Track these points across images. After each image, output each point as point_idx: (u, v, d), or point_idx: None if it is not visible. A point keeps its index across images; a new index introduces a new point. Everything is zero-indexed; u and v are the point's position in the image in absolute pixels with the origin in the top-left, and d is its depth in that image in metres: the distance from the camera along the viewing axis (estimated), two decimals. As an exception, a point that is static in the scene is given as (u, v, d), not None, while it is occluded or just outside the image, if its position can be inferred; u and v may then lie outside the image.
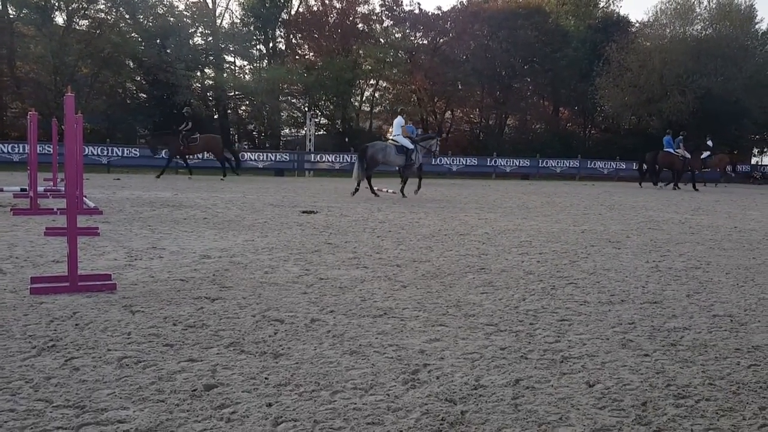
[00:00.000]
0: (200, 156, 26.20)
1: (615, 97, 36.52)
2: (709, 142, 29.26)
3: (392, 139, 16.37)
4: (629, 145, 37.29)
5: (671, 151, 25.99)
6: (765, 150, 47.51)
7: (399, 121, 16.61)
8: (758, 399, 3.08)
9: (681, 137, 26.76)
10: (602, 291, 5.45)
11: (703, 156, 28.84)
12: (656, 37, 37.64)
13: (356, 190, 16.13)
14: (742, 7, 37.88)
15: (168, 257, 6.44)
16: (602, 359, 3.61)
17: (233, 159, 24.64)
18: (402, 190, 16.42)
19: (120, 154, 26.89)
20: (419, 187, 16.79)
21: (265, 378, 3.14)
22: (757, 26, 38.63)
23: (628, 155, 35.91)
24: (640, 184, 27.42)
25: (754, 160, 45.04)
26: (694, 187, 25.95)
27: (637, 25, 41.21)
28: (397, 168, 17.04)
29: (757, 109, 35.99)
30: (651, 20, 39.35)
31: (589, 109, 41.58)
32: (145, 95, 37.68)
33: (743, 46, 36.63)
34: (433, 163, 28.00)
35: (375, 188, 16.55)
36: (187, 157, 23.59)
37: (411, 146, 16.10)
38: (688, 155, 26.14)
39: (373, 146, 16.32)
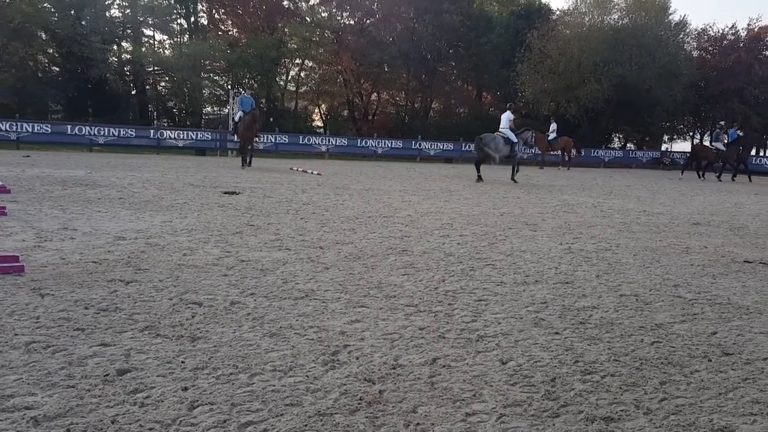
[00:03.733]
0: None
1: (535, 84, 37.40)
2: (554, 125, 30.13)
3: (500, 131, 18.31)
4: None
5: (707, 144, 26.96)
6: (674, 137, 49.95)
7: (508, 115, 18.54)
8: (659, 374, 3.27)
9: (717, 130, 27.48)
10: (518, 272, 5.63)
11: (549, 138, 29.81)
12: (575, 26, 38.69)
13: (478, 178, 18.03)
14: (657, -3, 39.52)
15: (80, 238, 6.21)
16: (515, 337, 3.75)
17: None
18: (513, 177, 18.61)
19: (30, 129, 25.49)
20: (516, 172, 18.92)
21: (182, 362, 3.09)
22: (670, 17, 40.28)
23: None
24: (697, 174, 27.59)
25: (663, 147, 47.30)
26: (732, 178, 26.15)
27: (558, 13, 42.28)
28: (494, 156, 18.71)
29: (668, 98, 37.67)
30: (571, 8, 40.35)
31: (511, 94, 42.41)
32: (57, 68, 35.82)
33: (657, 36, 38.11)
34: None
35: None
36: None
37: (515, 139, 18.23)
38: (723, 148, 26.56)
39: (486, 137, 18.33)
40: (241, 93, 21.56)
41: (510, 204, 11.85)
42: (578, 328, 3.99)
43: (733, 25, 43.91)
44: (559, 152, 31.04)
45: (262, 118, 20.41)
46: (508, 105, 20.35)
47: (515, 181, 18.35)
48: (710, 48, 43.76)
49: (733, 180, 25.66)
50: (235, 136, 21.13)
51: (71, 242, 5.99)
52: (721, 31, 43.38)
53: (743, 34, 42.24)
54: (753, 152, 27.52)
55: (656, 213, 11.42)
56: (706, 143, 27.80)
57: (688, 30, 42.17)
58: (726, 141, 27.05)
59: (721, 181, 25.65)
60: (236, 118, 19.50)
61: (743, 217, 11.35)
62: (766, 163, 36.75)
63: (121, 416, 2.49)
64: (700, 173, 27.23)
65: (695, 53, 43.52)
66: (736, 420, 2.78)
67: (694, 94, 41.20)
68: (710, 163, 27.06)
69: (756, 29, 41.66)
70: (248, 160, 19.74)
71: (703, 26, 47.34)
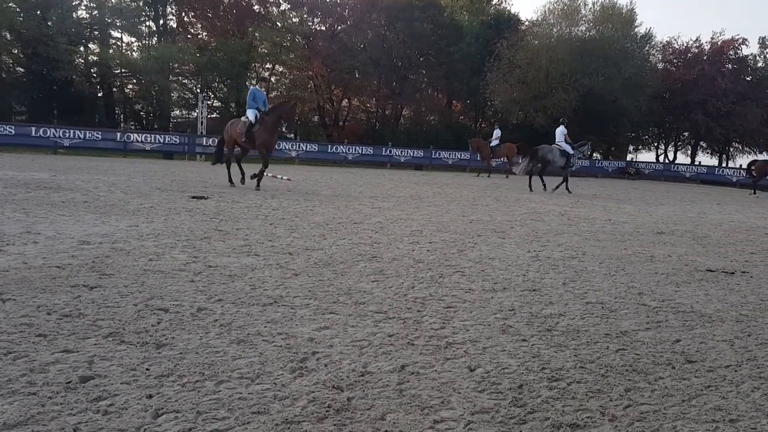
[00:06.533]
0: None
1: (504, 93, 37.77)
2: (497, 132, 29.46)
3: (557, 144, 19.65)
4: (517, 140, 38.85)
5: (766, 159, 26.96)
6: (639, 147, 50.89)
7: (562, 129, 19.81)
8: (624, 381, 3.32)
9: None
10: (486, 279, 5.67)
11: (492, 144, 28.99)
12: (544, 36, 39.17)
13: (530, 187, 19.59)
14: (624, 10, 40.24)
15: (43, 242, 6.08)
16: (484, 344, 3.77)
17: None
18: (567, 187, 19.73)
19: (-8, 131, 24.93)
20: (565, 184, 19.91)
21: (147, 369, 3.04)
22: (636, 29, 41.08)
23: (525, 149, 37.16)
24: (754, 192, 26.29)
25: (629, 157, 48.13)
26: None
27: (527, 23, 42.72)
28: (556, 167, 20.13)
29: (633, 109, 38.37)
30: (539, 19, 40.83)
31: (480, 103, 42.84)
32: (22, 69, 35.09)
33: (623, 48, 38.84)
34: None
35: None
36: None
37: (572, 151, 19.63)
38: None
39: (543, 149, 19.67)
40: (252, 84, 15.33)
41: (479, 211, 11.93)
42: (545, 335, 4.03)
43: (697, 39, 45.04)
44: (504, 159, 30.26)
45: (295, 121, 15.79)
46: (561, 120, 20.96)
47: (569, 191, 19.50)
48: (675, 60, 44.71)
49: None
50: (221, 145, 14.98)
51: (34, 246, 5.86)
52: (685, 44, 44.40)
53: (707, 47, 43.26)
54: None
55: (621, 222, 11.60)
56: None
57: (653, 42, 43.10)
58: None
59: None
60: (251, 118, 13.89)
61: (706, 227, 11.60)
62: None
63: (84, 424, 2.44)
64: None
65: (660, 65, 44.43)
66: (699, 427, 2.83)
67: (658, 105, 42.06)
68: None
69: (719, 43, 42.70)
70: (259, 179, 14.24)
71: (668, 39, 48.26)
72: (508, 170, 29.72)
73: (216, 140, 18.88)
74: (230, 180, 14.78)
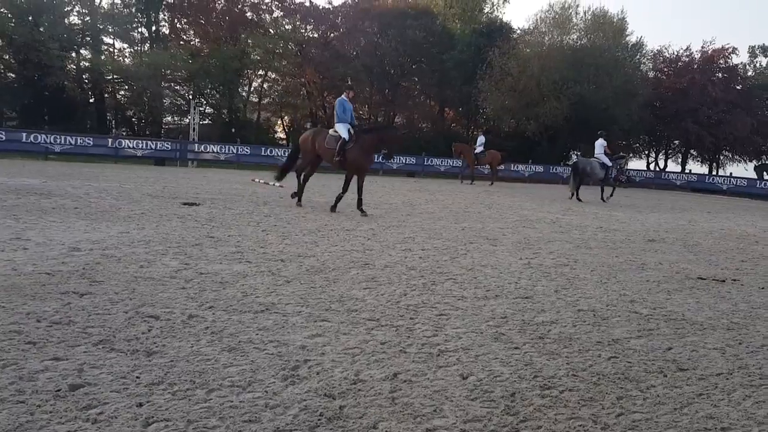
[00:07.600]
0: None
1: (496, 101, 37.91)
2: (481, 138, 28.86)
3: (596, 157, 20.68)
4: (508, 147, 38.93)
5: None
6: (631, 155, 51.10)
7: (601, 142, 20.77)
8: (616, 389, 3.32)
9: None
10: (479, 286, 5.66)
11: (476, 151, 28.45)
12: (536, 45, 39.38)
13: (572, 195, 20.45)
14: (615, 19, 40.54)
15: (33, 249, 6.03)
16: (476, 352, 3.76)
17: None
18: (605, 197, 20.69)
19: (-17, 137, 24.79)
20: (612, 194, 21.34)
21: (137, 377, 3.02)
22: (627, 38, 41.36)
23: (507, 157, 37.36)
24: None
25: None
26: None
27: (519, 32, 42.93)
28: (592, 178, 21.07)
29: (624, 117, 38.57)
30: (531, 28, 41.09)
31: (472, 110, 42.98)
32: (13, 75, 34.90)
33: (614, 57, 39.08)
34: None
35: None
36: None
37: (610, 163, 20.58)
38: None
39: (582, 162, 21.12)
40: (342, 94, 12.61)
41: (471, 219, 11.94)
42: (537, 343, 4.03)
43: (687, 48, 45.11)
44: (487, 166, 29.86)
45: (396, 149, 13.93)
46: (599, 132, 21.40)
47: (604, 200, 20.32)
48: (666, 69, 44.95)
49: None
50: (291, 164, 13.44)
51: (24, 253, 5.82)
52: (675, 53, 44.67)
53: (697, 56, 43.54)
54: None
55: (613, 229, 11.64)
56: None
57: (644, 51, 43.33)
58: None
59: None
60: (343, 134, 11.77)
61: (697, 235, 11.65)
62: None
63: (73, 434, 2.41)
64: None
65: (651, 74, 44.67)
66: (690, 434, 2.83)
67: (649, 113, 42.27)
68: None
69: (709, 52, 42.99)
70: (336, 202, 12.01)
71: (659, 48, 48.48)
72: (492, 178, 29.63)
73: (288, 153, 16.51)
74: (299, 198, 12.77)
